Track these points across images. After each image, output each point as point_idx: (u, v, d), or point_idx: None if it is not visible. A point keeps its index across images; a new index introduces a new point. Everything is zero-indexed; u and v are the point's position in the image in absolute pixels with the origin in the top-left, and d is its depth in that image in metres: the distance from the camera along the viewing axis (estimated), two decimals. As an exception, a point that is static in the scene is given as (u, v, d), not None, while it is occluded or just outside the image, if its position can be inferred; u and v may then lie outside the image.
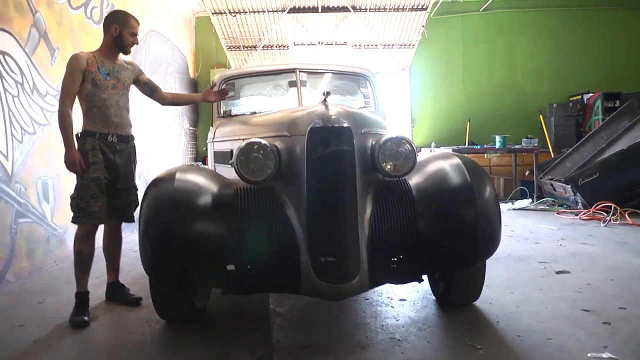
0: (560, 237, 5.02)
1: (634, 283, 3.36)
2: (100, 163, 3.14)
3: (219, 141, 3.65)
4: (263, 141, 2.41)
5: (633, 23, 9.25)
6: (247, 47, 8.47)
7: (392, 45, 8.48)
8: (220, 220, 2.39)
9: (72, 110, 3.10)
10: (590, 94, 8.73)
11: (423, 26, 7.79)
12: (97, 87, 3.15)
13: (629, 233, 5.13)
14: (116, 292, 3.38)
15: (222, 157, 3.49)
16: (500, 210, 2.62)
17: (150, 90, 3.59)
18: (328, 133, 2.26)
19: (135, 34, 3.30)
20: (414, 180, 2.61)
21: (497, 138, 7.90)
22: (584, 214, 6.02)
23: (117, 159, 3.23)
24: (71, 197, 3.14)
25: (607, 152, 6.66)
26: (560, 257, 4.18)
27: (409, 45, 8.46)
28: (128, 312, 3.11)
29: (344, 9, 7.37)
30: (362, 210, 2.37)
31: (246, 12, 7.40)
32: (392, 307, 3.04)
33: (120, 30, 3.20)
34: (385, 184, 2.56)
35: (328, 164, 2.26)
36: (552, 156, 8.38)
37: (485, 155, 8.39)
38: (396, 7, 7.40)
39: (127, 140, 3.33)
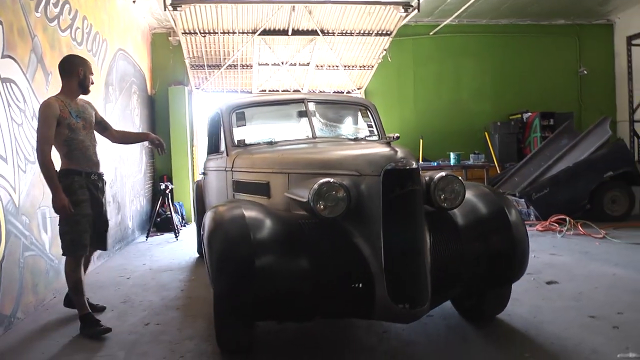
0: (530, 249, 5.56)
1: (616, 289, 3.88)
2: (88, 200, 3.46)
3: (244, 171, 3.74)
4: (336, 180, 2.60)
5: (563, 50, 10.30)
6: (210, 66, 8.48)
7: (353, 66, 8.84)
8: (295, 254, 2.54)
9: (51, 156, 3.32)
10: (529, 113, 9.62)
11: (385, 50, 8.22)
12: (73, 131, 3.41)
13: (584, 243, 5.78)
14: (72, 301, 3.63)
15: (251, 188, 3.57)
16: (527, 232, 3.00)
17: (102, 128, 3.84)
18: (403, 175, 2.49)
19: (93, 74, 3.61)
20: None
21: (452, 155, 8.50)
22: (540, 225, 6.67)
23: (100, 194, 3.61)
24: (62, 231, 3.41)
25: (554, 168, 7.41)
26: (541, 268, 4.67)
27: (369, 66, 8.86)
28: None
29: (312, 32, 7.62)
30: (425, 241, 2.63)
31: (217, 33, 7.43)
32: (425, 323, 3.32)
33: (85, 72, 3.50)
34: (434, 214, 2.83)
35: (404, 202, 2.49)
36: (498, 171, 9.13)
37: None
38: (363, 31, 7.76)
39: (102, 177, 3.68)
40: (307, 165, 3.04)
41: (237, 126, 4.24)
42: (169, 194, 7.70)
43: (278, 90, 9.47)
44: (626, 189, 7.14)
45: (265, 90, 9.39)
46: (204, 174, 5.31)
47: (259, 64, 8.54)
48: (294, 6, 6.86)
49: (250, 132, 4.31)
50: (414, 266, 2.50)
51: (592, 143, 7.30)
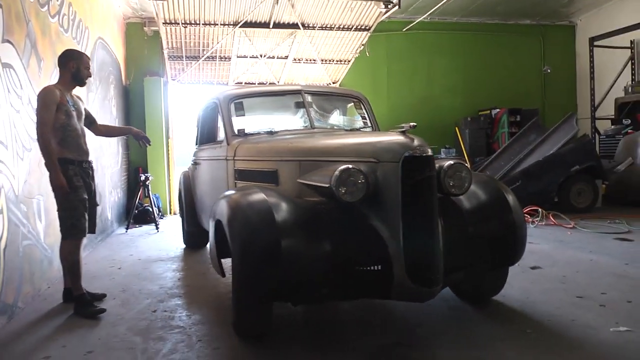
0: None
1: (596, 273, 4.18)
2: (83, 186, 3.68)
3: (248, 160, 3.79)
4: (356, 167, 2.71)
5: (528, 49, 10.78)
6: (189, 57, 8.41)
7: (330, 60, 8.96)
8: (317, 237, 2.65)
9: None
10: (497, 109, 10.01)
11: (363, 45, 8.38)
12: (69, 117, 3.61)
13: (557, 232, 6.12)
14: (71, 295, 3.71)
15: (256, 176, 3.63)
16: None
17: (89, 122, 4.06)
18: (421, 162, 2.63)
19: (88, 68, 3.81)
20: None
21: (427, 149, 8.75)
22: (514, 216, 6.98)
23: (91, 181, 3.84)
24: (62, 216, 3.58)
25: (524, 162, 7.77)
26: (523, 255, 4.93)
27: (345, 61, 9.01)
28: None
29: (294, 25, 7.69)
30: (438, 224, 2.79)
31: (198, 24, 7.39)
32: (427, 305, 3.48)
33: (77, 66, 3.70)
34: (442, 200, 2.99)
35: (422, 187, 2.63)
36: (469, 165, 9.45)
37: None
38: (342, 26, 7.89)
39: (92, 165, 3.93)
40: (321, 152, 3.14)
41: (236, 116, 4.29)
42: (149, 186, 7.62)
43: (254, 83, 9.50)
44: (591, 183, 7.58)
45: (241, 83, 9.40)
46: (195, 163, 5.30)
47: (238, 56, 8.54)
48: (277, -1, 6.91)
49: (249, 122, 4.37)
50: (431, 248, 2.64)
51: (560, 138, 7.69)
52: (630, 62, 9.30)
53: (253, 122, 4.43)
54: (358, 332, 3.08)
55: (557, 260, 4.67)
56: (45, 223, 4.28)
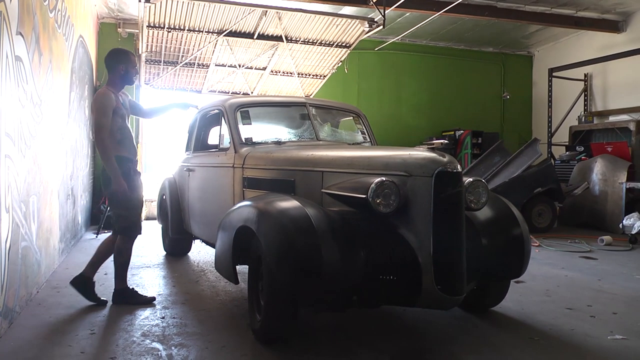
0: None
1: (574, 288, 4.50)
2: (141, 186, 3.85)
3: (260, 168, 3.83)
4: (391, 179, 2.84)
5: (490, 75, 11.40)
6: (166, 62, 8.30)
7: (307, 74, 9.10)
8: (352, 245, 2.75)
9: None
10: (462, 131, 10.48)
11: (342, 61, 8.58)
12: (123, 119, 3.73)
13: (525, 249, 6.49)
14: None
15: (270, 185, 3.67)
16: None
17: (138, 109, 4.18)
18: (452, 177, 2.79)
19: (136, 66, 3.92)
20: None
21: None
22: (483, 233, 7.34)
23: (140, 181, 3.90)
24: (123, 215, 3.72)
25: (490, 183, 8.17)
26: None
27: (321, 76, 9.18)
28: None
29: (277, 38, 7.79)
30: (461, 236, 2.96)
31: (182, 30, 7.33)
32: (431, 313, 3.64)
33: (126, 68, 3.79)
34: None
35: (451, 202, 2.80)
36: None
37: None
38: (324, 42, 8.06)
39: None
40: (347, 164, 3.24)
41: (242, 124, 4.32)
42: (122, 190, 7.40)
43: (228, 92, 9.48)
44: (550, 204, 8.09)
45: (215, 92, 9.36)
46: (187, 170, 5.24)
47: (216, 65, 8.51)
48: (266, 11, 6.99)
49: (253, 131, 4.40)
50: (459, 258, 2.80)
51: (523, 162, 8.16)
52: (583, 94, 10.04)
53: (257, 131, 4.47)
54: (377, 337, 3.17)
55: (535, 276, 4.97)
56: (37, 224, 4.12)
